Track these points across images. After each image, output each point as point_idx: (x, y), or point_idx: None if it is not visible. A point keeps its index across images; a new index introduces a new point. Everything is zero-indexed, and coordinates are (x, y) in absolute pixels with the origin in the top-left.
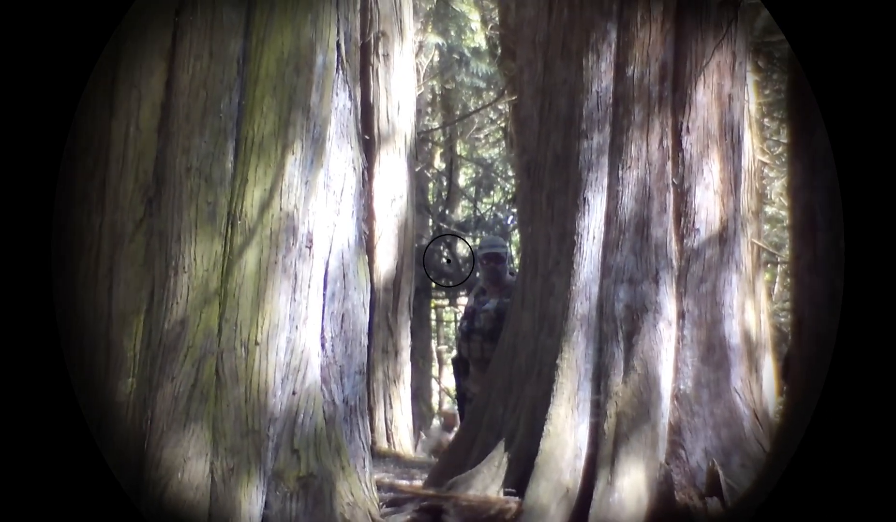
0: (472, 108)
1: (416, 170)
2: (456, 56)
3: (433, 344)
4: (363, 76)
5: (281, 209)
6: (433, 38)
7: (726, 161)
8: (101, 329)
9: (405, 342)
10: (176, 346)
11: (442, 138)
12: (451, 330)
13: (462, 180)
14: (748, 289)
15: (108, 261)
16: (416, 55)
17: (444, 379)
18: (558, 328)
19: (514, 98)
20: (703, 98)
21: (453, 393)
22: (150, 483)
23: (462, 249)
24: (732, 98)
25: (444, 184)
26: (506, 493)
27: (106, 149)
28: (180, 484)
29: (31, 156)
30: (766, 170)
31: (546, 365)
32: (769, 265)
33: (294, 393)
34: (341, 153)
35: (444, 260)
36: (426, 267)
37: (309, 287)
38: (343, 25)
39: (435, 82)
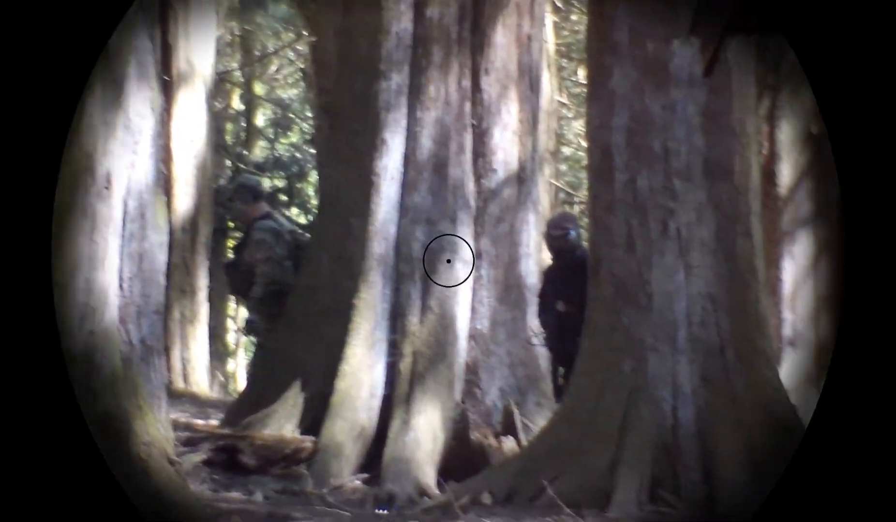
0: (271, 49)
1: (215, 110)
2: None
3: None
4: (162, 17)
5: (80, 149)
6: None
7: (524, 101)
8: None
9: (202, 282)
10: None
11: (240, 79)
12: None
13: (260, 121)
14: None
15: None
16: None
17: (240, 320)
18: (356, 268)
19: (313, 39)
20: (502, 39)
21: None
22: None
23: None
24: (531, 39)
25: (243, 124)
26: (302, 433)
27: None
28: None
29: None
30: (564, 111)
31: (343, 305)
32: (567, 205)
33: (91, 333)
34: (140, 94)
35: (446, 260)
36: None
37: (107, 227)
38: None
39: (234, 23)
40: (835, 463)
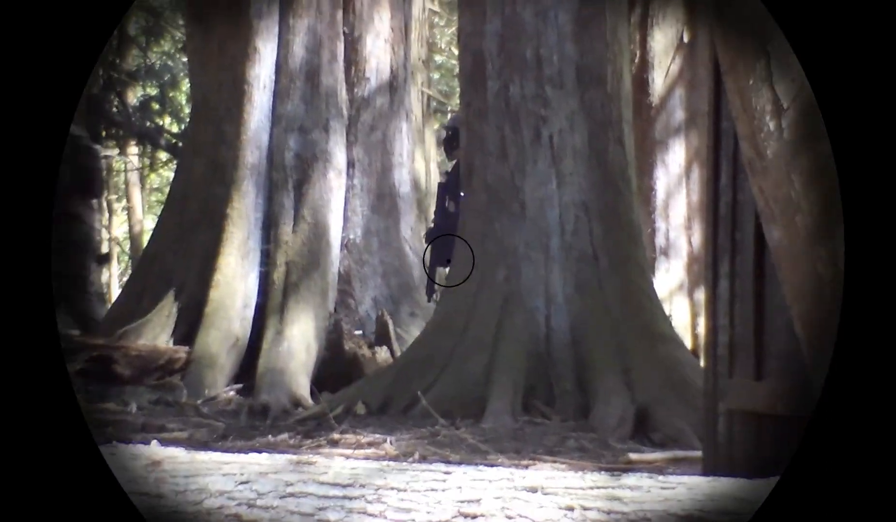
0: None
1: None
2: None
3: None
4: None
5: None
6: None
7: (396, 9)
8: None
9: None
10: None
11: None
12: (120, 181)
13: (133, 28)
14: (418, 138)
15: None
16: None
17: (114, 229)
18: (229, 176)
19: None
20: None
21: (124, 244)
22: None
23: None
24: None
25: (114, 33)
26: (176, 343)
27: None
28: None
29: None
30: (436, 19)
31: (217, 213)
32: (439, 114)
33: None
34: None
35: (446, 261)
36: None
37: None
38: None
39: None
40: (837, 461)
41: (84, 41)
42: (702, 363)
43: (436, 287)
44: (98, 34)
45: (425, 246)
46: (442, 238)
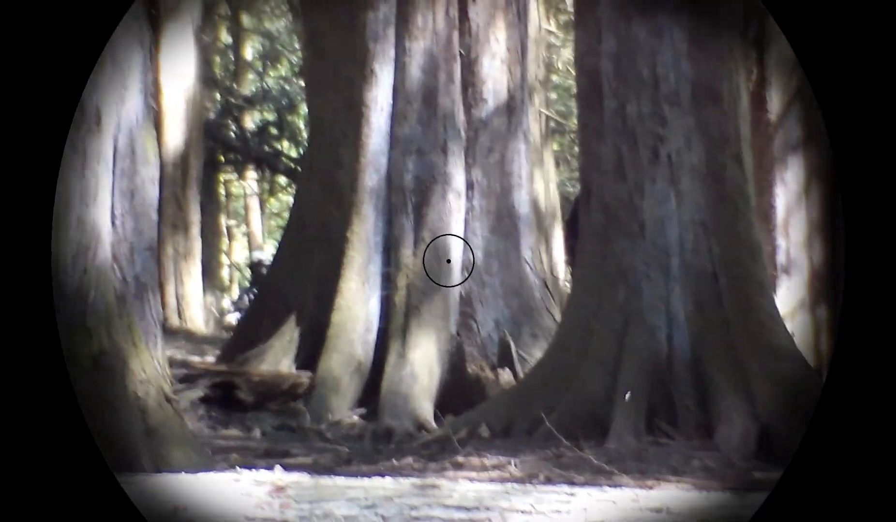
0: None
1: (203, 43)
2: None
3: (222, 218)
4: None
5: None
6: None
7: (512, 30)
8: None
9: (195, 217)
10: None
11: (227, 11)
12: (239, 206)
13: (249, 53)
14: (536, 159)
15: None
16: None
17: (234, 255)
18: (348, 200)
19: None
20: None
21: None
22: None
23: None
24: None
25: (231, 57)
26: (298, 368)
27: None
28: None
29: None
30: (552, 39)
31: (336, 237)
32: (557, 134)
33: (85, 272)
34: (127, 28)
35: (446, 260)
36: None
37: (98, 164)
38: None
39: None
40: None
41: (83, 43)
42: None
43: None
44: (97, 36)
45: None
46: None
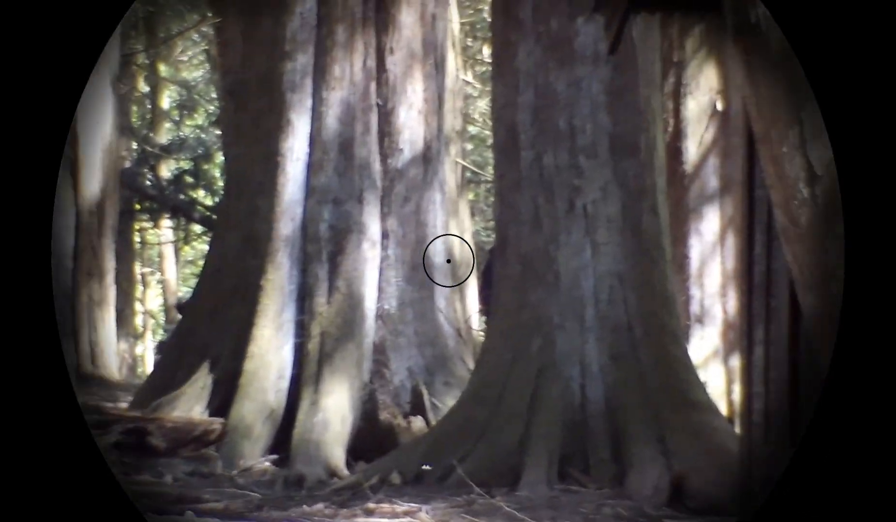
0: (176, 31)
1: (120, 93)
2: None
3: (137, 266)
4: None
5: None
6: None
7: (430, 80)
8: None
9: (110, 265)
10: None
11: (146, 61)
12: (154, 253)
13: (166, 103)
14: (452, 209)
15: None
16: None
17: (148, 302)
18: (263, 249)
19: (217, 19)
20: (407, 17)
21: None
22: None
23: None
24: (436, 17)
25: (148, 106)
26: (211, 415)
27: None
28: None
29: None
30: (469, 90)
31: (251, 286)
32: (473, 184)
33: None
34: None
35: (446, 260)
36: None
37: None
38: None
39: (138, 4)
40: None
41: (82, 45)
42: (737, 430)
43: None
44: (95, 39)
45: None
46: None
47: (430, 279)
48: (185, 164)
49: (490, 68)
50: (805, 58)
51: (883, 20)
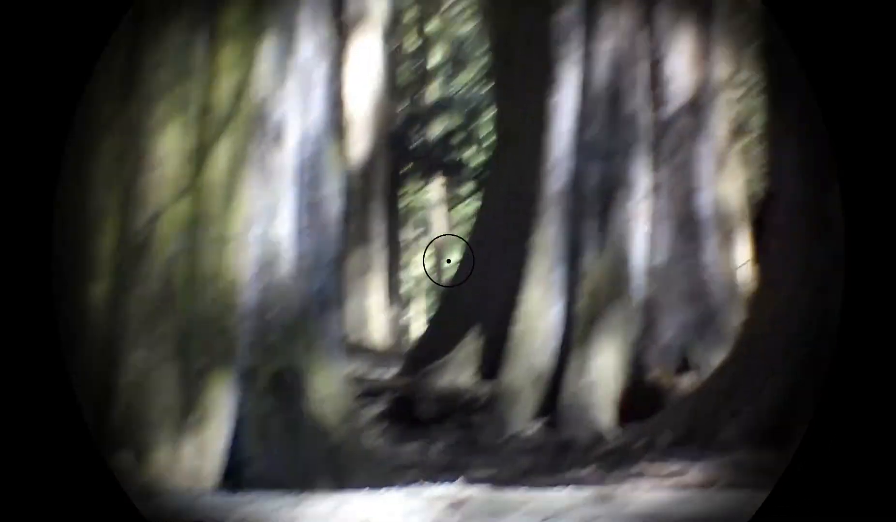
0: None
1: (389, 51)
2: None
3: (406, 230)
4: None
5: (252, 98)
6: None
7: (699, 28)
8: (74, 230)
9: (378, 229)
10: (148, 245)
11: (416, 17)
12: (421, 217)
13: (437, 58)
14: (722, 159)
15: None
16: None
17: (416, 267)
18: (531, 208)
19: None
20: None
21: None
22: (121, 389)
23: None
24: None
25: (417, 64)
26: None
27: None
28: (152, 387)
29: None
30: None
31: (519, 246)
32: (743, 133)
33: (266, 288)
34: (312, 37)
35: (446, 261)
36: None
37: (281, 177)
38: None
39: None
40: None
41: (82, 45)
42: None
43: None
44: (95, 39)
45: None
46: None
47: (431, 279)
48: (455, 122)
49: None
50: (804, 57)
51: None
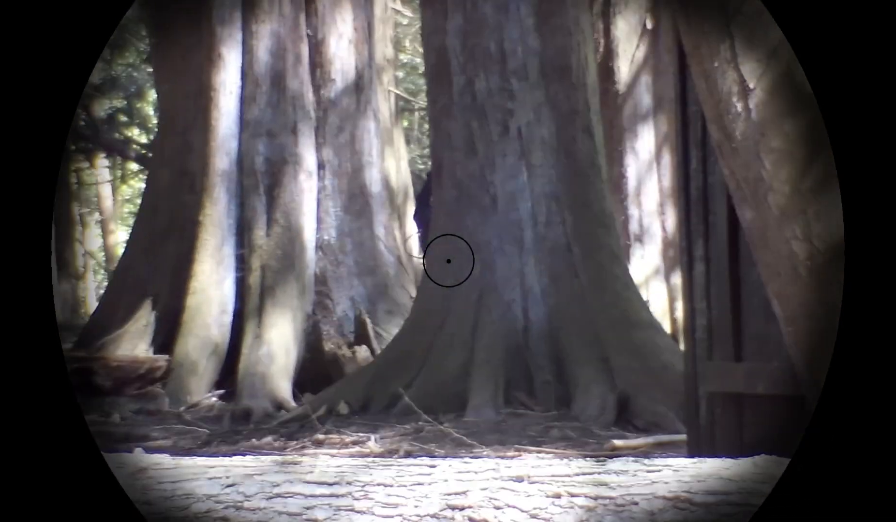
0: None
1: None
2: None
3: (74, 207)
4: None
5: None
6: None
7: (358, 10)
8: None
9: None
10: None
11: None
12: (92, 193)
13: None
14: (387, 137)
15: None
16: None
17: (87, 242)
18: (199, 184)
19: None
20: None
21: (99, 256)
22: None
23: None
24: None
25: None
26: (155, 352)
27: None
28: None
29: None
30: (399, 18)
31: (189, 222)
32: (406, 112)
33: None
34: None
35: (446, 260)
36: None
37: None
38: None
39: None
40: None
41: (81, 44)
42: (681, 347)
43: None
44: (95, 37)
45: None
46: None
47: (431, 279)
48: (118, 103)
49: None
50: (804, 57)
51: (882, 20)
